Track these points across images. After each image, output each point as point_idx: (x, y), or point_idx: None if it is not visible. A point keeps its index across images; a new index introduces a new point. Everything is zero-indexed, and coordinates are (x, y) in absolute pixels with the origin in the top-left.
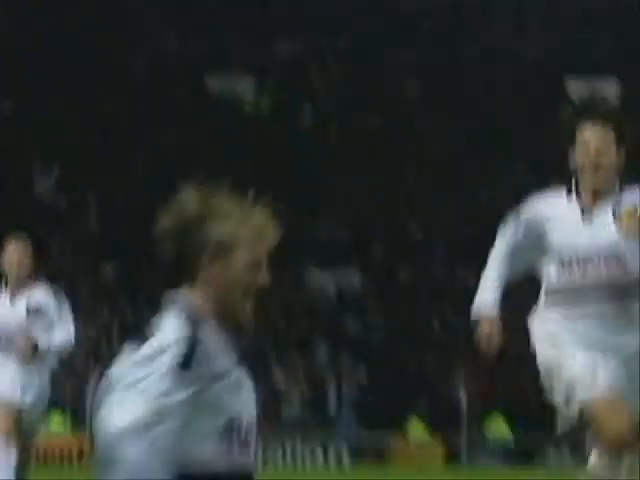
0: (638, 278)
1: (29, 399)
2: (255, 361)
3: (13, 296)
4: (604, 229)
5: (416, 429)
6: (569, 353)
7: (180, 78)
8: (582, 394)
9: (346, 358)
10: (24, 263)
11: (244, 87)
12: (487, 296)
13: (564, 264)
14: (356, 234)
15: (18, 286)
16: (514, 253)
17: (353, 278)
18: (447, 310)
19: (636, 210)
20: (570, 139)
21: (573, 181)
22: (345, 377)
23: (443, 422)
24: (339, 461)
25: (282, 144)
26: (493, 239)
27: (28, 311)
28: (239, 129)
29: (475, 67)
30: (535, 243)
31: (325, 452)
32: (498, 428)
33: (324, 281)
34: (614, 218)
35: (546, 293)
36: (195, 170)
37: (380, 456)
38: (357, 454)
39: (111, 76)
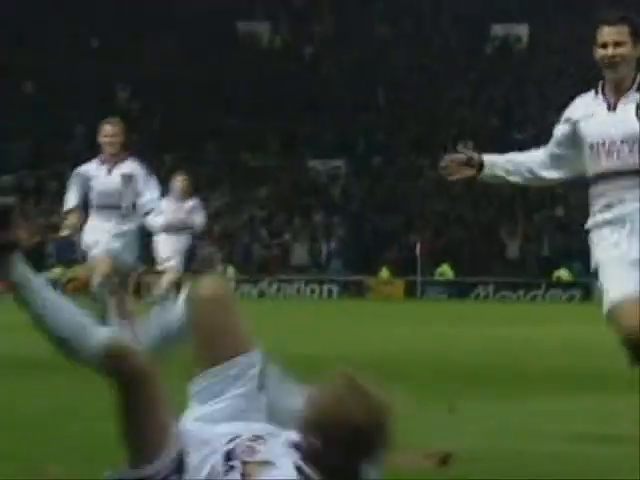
0: None
1: (124, 254)
2: (272, 227)
3: (109, 166)
4: (627, 119)
5: (384, 273)
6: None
7: (216, 24)
8: (610, 296)
9: (335, 221)
10: (117, 140)
11: (263, 29)
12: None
13: (592, 152)
14: (342, 134)
15: (112, 158)
16: (552, 157)
17: (341, 165)
18: (410, 187)
19: None
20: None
21: (600, 82)
22: (334, 235)
23: (404, 268)
24: (330, 295)
25: (290, 72)
26: None
27: (122, 178)
28: (259, 61)
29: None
30: (573, 147)
31: (320, 289)
32: (444, 271)
33: (321, 167)
34: (637, 110)
35: (589, 191)
36: (227, 91)
37: (360, 292)
38: (343, 291)
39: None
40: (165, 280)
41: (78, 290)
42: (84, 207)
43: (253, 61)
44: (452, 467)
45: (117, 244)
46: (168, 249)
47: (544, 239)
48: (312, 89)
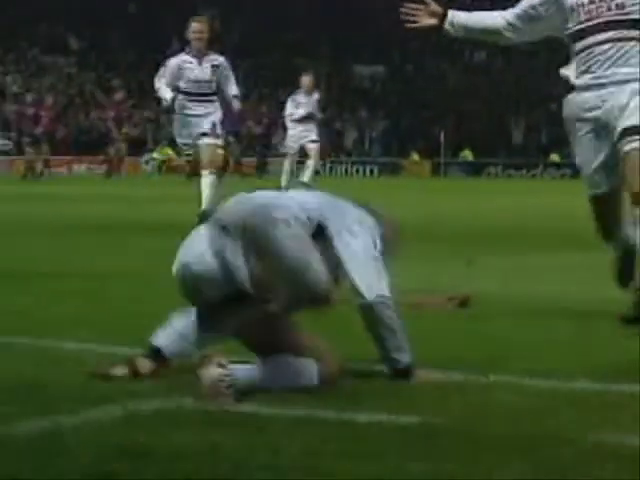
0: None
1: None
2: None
3: (199, 59)
4: None
5: (414, 156)
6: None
7: None
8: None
9: (378, 116)
10: (204, 36)
11: None
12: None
13: (572, 11)
14: (381, 44)
15: (201, 52)
16: (527, 12)
17: (381, 70)
18: (436, 89)
19: None
20: None
21: None
22: (376, 127)
23: (431, 152)
24: (372, 174)
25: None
26: None
27: (212, 68)
28: None
29: None
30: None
31: (364, 169)
32: (465, 155)
33: (364, 72)
34: None
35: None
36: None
37: (395, 171)
38: (382, 170)
39: None
40: (288, 162)
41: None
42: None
43: None
44: (471, 308)
45: (209, 125)
46: (296, 136)
47: (542, 129)
48: (359, 9)
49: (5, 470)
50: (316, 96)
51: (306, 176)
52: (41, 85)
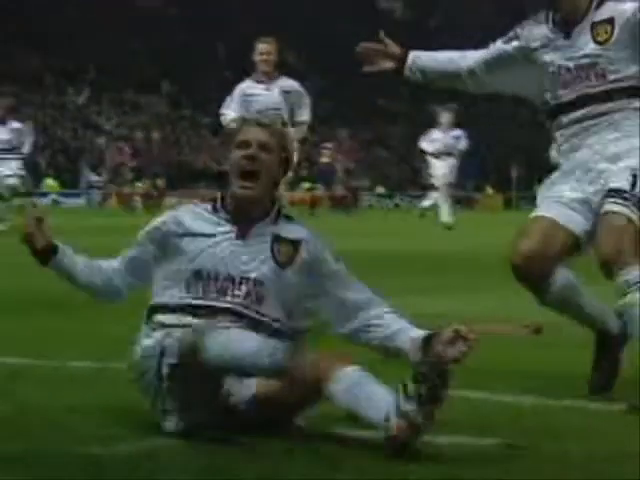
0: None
1: None
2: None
3: (266, 83)
4: (583, 42)
5: (489, 190)
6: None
7: None
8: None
9: None
10: (271, 58)
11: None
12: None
13: (550, 81)
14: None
15: (269, 76)
16: (500, 57)
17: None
18: (508, 130)
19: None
20: None
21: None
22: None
23: (503, 186)
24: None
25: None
26: None
27: (282, 93)
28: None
29: None
30: (523, 59)
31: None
32: (537, 188)
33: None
34: (591, 30)
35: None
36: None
37: (470, 205)
38: (458, 203)
39: None
40: (440, 194)
41: None
42: None
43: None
44: (544, 335)
45: None
46: (440, 170)
47: None
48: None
49: None
50: (456, 132)
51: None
52: (134, 123)
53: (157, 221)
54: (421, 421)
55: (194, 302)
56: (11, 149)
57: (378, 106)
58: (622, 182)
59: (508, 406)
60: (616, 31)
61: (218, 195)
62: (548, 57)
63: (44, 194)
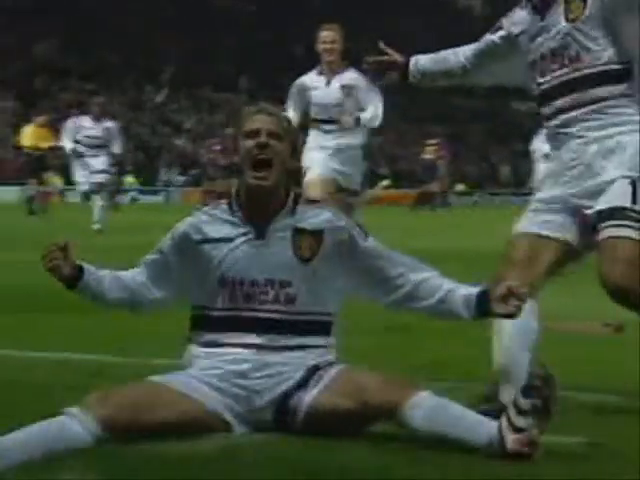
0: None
1: (346, 169)
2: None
3: (328, 76)
4: (556, 20)
5: None
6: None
7: None
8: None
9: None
10: (335, 47)
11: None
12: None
13: (531, 68)
14: None
15: (331, 67)
16: (489, 48)
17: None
18: None
19: None
20: None
21: None
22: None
23: None
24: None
25: None
26: None
27: (342, 89)
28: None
29: None
30: (509, 48)
31: (523, 200)
32: None
33: (522, 107)
34: (564, 8)
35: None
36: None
37: None
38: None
39: None
40: None
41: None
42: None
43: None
44: (625, 334)
45: (335, 163)
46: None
47: None
48: None
49: None
50: None
51: None
52: (213, 120)
53: (177, 229)
54: (537, 433)
55: (223, 314)
56: (102, 146)
57: (455, 104)
58: (620, 197)
59: (591, 404)
60: (589, 4)
61: (233, 191)
62: (527, 43)
63: (124, 191)
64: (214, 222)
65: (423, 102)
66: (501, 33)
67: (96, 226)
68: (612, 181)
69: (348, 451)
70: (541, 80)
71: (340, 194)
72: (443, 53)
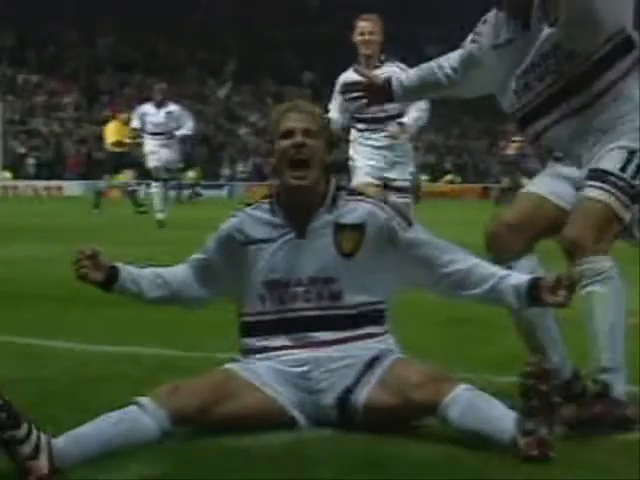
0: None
1: (395, 173)
2: None
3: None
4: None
5: None
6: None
7: None
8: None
9: None
10: (374, 39)
11: None
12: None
13: (517, 80)
14: None
15: (368, 61)
16: (471, 58)
17: None
18: None
19: None
20: None
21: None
22: None
23: None
24: None
25: None
26: None
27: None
28: None
29: None
30: (490, 57)
31: None
32: None
33: None
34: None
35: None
36: None
37: None
38: None
39: None
40: None
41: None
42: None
43: None
44: None
45: (382, 163)
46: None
47: None
48: None
49: (261, 476)
50: None
51: None
52: None
53: (221, 230)
54: (545, 432)
55: (272, 317)
56: (164, 133)
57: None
58: (612, 162)
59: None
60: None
61: (274, 191)
62: (510, 55)
63: (187, 186)
64: (256, 223)
65: (488, 96)
66: (479, 42)
67: (159, 215)
68: (612, 149)
69: (414, 446)
70: (540, 88)
71: (389, 193)
72: (425, 67)
